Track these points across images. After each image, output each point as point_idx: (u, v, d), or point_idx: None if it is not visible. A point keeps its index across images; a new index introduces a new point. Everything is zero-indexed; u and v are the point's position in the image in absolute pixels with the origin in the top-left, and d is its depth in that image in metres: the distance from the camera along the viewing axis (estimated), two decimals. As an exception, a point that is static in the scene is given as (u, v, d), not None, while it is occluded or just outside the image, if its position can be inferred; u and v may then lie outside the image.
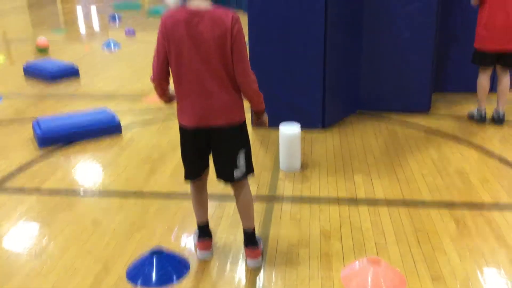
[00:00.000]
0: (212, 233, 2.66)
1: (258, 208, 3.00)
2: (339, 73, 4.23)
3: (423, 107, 4.54)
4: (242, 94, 2.27)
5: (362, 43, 4.38)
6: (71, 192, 3.29)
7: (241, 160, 2.34)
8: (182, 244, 2.68)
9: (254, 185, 3.25)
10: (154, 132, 4.25)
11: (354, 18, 4.26)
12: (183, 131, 2.33)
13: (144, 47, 7.57)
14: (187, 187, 3.27)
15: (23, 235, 2.81)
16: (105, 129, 4.17)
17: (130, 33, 8.54)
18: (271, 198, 3.15)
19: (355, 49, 4.38)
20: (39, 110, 4.85)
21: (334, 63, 4.10)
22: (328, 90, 4.12)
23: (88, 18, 10.58)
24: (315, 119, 4.18)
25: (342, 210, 2.99)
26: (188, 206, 3.06)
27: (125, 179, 3.44)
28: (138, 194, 3.23)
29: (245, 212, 2.49)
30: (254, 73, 2.24)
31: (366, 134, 4.11)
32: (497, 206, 3.00)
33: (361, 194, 3.18)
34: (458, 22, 4.78)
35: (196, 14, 2.10)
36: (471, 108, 4.62)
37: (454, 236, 2.70)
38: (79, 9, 11.70)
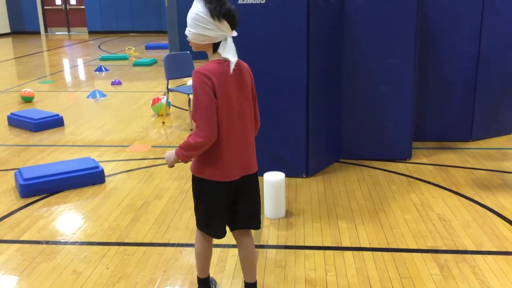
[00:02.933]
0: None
1: None
2: (321, 124, 4.32)
3: (404, 155, 4.63)
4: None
5: (342, 95, 4.51)
6: (51, 242, 3.23)
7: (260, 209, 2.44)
8: (165, 294, 2.63)
9: (238, 233, 3.23)
10: (137, 181, 4.24)
11: (333, 70, 4.40)
12: (220, 186, 2.23)
13: (129, 96, 7.66)
14: (169, 237, 3.25)
15: (2, 287, 2.73)
16: (88, 178, 4.14)
17: (116, 83, 8.66)
18: (256, 245, 3.12)
19: (336, 101, 4.49)
20: (22, 160, 4.82)
21: (316, 115, 4.20)
22: (311, 141, 4.19)
23: (74, 69, 10.72)
24: (299, 169, 4.23)
25: (327, 256, 2.98)
26: (170, 256, 3.02)
27: (107, 229, 3.39)
28: (120, 244, 3.19)
29: (252, 263, 2.46)
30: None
31: (350, 181, 4.15)
32: (479, 252, 3.02)
33: (346, 240, 3.18)
34: (434, 74, 4.96)
35: (239, 66, 2.19)
36: (451, 156, 4.73)
37: (438, 282, 2.70)
38: (66, 62, 11.87)
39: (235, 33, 2.17)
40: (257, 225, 2.41)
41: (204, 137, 2.10)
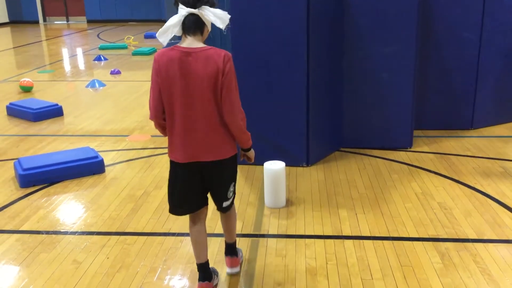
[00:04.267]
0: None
1: (243, 245, 2.97)
2: (321, 113, 4.29)
3: (405, 144, 4.61)
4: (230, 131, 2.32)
5: (343, 84, 4.48)
6: (52, 232, 3.22)
7: (230, 193, 2.47)
8: (164, 286, 2.62)
9: (239, 222, 3.22)
10: (137, 171, 4.23)
11: (334, 59, 4.37)
12: (174, 164, 2.37)
13: (129, 86, 7.62)
14: (169, 227, 3.25)
15: (2, 277, 2.73)
16: (87, 168, 4.13)
17: (115, 72, 8.61)
18: (256, 235, 3.12)
19: (337, 90, 4.47)
20: (21, 150, 4.81)
21: (316, 104, 4.17)
22: (311, 130, 4.17)
23: (73, 59, 10.67)
24: (299, 158, 4.21)
25: (328, 245, 2.97)
26: (171, 246, 3.02)
27: (107, 219, 3.39)
28: (120, 234, 3.18)
29: (230, 230, 2.67)
30: (243, 112, 2.31)
31: (350, 170, 4.14)
32: (480, 240, 3.01)
33: (346, 229, 3.17)
34: (435, 62, 4.93)
35: (189, 53, 2.17)
36: (452, 144, 4.71)
37: (439, 271, 2.69)
38: (65, 51, 11.80)
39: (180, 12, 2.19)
40: (220, 208, 2.51)
41: (150, 115, 2.32)
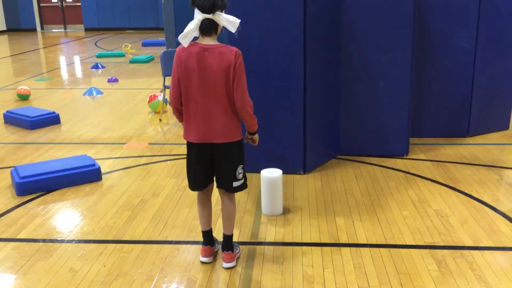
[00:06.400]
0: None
1: (240, 252, 2.97)
2: (318, 120, 4.31)
3: (401, 152, 4.63)
4: (239, 116, 2.65)
5: (339, 91, 4.50)
6: (48, 240, 3.21)
7: (240, 174, 2.74)
8: (162, 292, 2.62)
9: (236, 229, 3.22)
10: (134, 179, 4.23)
11: (330, 66, 4.39)
12: (189, 145, 2.71)
13: (126, 94, 7.63)
14: (166, 235, 3.25)
15: (-3, 286, 2.72)
16: (85, 176, 4.13)
17: (113, 80, 8.62)
18: (253, 242, 3.12)
19: (333, 97, 4.49)
20: (18, 158, 4.80)
21: (313, 112, 4.19)
22: (308, 138, 4.18)
23: (71, 67, 10.68)
24: (296, 166, 4.22)
25: (325, 253, 2.97)
26: (168, 254, 3.02)
27: (104, 227, 3.38)
28: (117, 242, 3.18)
29: (228, 220, 2.84)
30: (251, 100, 2.65)
31: (347, 178, 4.15)
32: (477, 247, 3.02)
33: (343, 236, 3.17)
34: (431, 69, 4.96)
35: (206, 49, 2.53)
36: (448, 151, 4.73)
37: (436, 278, 2.70)
38: (62, 59, 11.81)
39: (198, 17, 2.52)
40: (227, 187, 2.76)
41: (169, 99, 2.71)
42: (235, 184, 2.74)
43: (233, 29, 2.55)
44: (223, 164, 2.70)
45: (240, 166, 2.74)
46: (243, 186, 2.80)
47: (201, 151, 2.68)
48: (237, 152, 2.72)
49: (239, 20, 2.55)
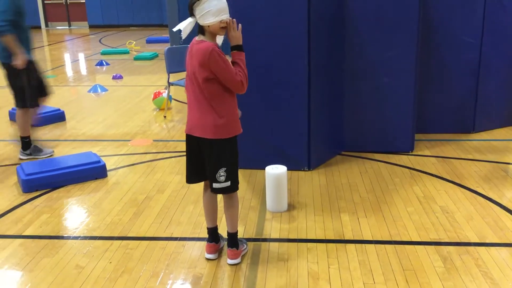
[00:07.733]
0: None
1: (247, 249, 2.98)
2: (323, 116, 4.30)
3: (406, 148, 4.61)
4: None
5: (344, 88, 4.49)
6: (54, 237, 3.23)
7: (221, 177, 2.69)
8: (168, 288, 2.63)
9: (241, 225, 3.23)
10: (139, 175, 4.24)
11: (335, 62, 4.38)
12: (187, 138, 2.77)
13: (131, 90, 7.65)
14: (172, 231, 3.25)
15: (5, 282, 2.73)
16: (90, 173, 4.14)
17: (117, 77, 8.64)
18: (258, 239, 3.13)
19: (338, 93, 4.47)
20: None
21: (318, 108, 4.18)
22: (312, 134, 4.17)
23: (75, 64, 10.71)
24: (301, 162, 4.22)
25: (330, 249, 2.97)
26: (173, 250, 3.03)
27: (109, 223, 3.40)
28: (123, 239, 3.19)
29: (230, 219, 2.86)
30: (239, 75, 2.59)
31: (352, 174, 4.14)
32: (483, 243, 3.01)
33: (348, 233, 3.17)
34: (436, 65, 4.93)
35: (194, 44, 2.63)
36: (453, 148, 4.71)
37: (441, 275, 2.69)
38: (67, 56, 11.84)
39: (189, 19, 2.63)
40: (211, 188, 2.75)
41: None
42: (215, 185, 2.71)
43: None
44: (207, 161, 2.72)
45: (223, 169, 2.67)
46: (227, 190, 2.72)
47: (190, 142, 2.76)
48: (219, 152, 2.66)
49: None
